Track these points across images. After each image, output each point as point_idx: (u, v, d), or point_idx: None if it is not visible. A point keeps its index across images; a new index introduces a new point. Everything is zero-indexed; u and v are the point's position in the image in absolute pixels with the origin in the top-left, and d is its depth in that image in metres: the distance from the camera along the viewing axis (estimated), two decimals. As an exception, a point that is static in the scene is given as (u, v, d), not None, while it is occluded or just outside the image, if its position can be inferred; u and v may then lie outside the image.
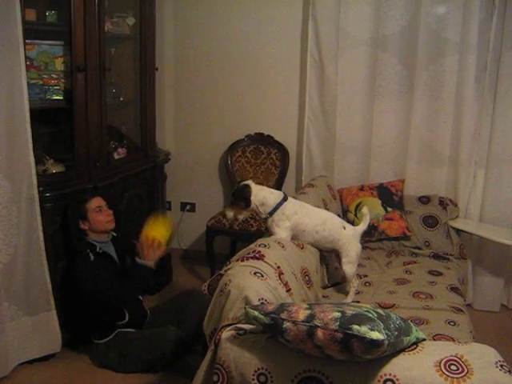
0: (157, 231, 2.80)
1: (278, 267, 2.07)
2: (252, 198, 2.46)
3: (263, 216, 2.50)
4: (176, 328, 2.74)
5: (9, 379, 2.63)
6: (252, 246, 2.21)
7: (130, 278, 2.74)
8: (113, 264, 2.80)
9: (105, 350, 2.75)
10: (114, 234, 2.90)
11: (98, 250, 2.74)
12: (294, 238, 2.53)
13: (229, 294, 1.79)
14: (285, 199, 2.51)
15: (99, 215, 2.74)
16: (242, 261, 2.01)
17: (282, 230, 2.46)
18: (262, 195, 2.48)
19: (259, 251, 2.09)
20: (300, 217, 2.51)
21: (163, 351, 2.63)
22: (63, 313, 2.83)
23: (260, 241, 2.27)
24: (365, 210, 2.70)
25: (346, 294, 2.60)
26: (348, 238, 2.58)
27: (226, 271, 1.95)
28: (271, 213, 2.48)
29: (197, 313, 2.62)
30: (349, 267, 2.57)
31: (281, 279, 2.04)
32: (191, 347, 2.69)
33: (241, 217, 2.55)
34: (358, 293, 2.66)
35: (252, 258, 2.03)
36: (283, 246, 2.30)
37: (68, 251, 2.84)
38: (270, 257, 2.09)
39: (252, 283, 1.83)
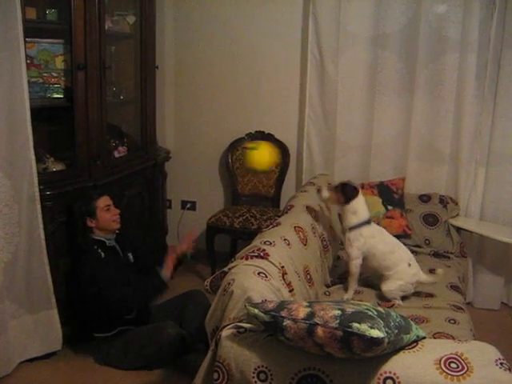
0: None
1: (282, 267, 2.07)
2: (354, 201, 2.60)
3: (344, 225, 2.65)
4: (175, 323, 2.75)
5: (11, 378, 2.63)
6: (257, 242, 2.20)
7: (143, 282, 2.79)
8: (119, 258, 2.85)
9: (106, 348, 2.77)
10: (117, 232, 2.93)
11: (107, 244, 2.80)
12: (363, 259, 2.62)
13: (232, 294, 1.79)
14: (368, 222, 2.63)
15: (107, 214, 2.79)
16: (247, 259, 2.00)
17: (354, 250, 2.59)
18: (359, 207, 2.61)
19: (264, 249, 2.08)
20: (377, 241, 2.61)
21: (161, 345, 2.64)
22: (67, 307, 2.85)
23: (265, 237, 2.27)
24: (440, 271, 2.63)
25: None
26: (407, 274, 2.56)
27: (229, 269, 1.94)
28: (351, 228, 2.60)
29: (199, 312, 2.63)
30: (387, 291, 2.55)
31: (284, 279, 2.03)
32: (194, 346, 2.69)
33: (329, 202, 2.80)
34: (359, 292, 2.66)
35: (256, 256, 2.02)
36: (289, 244, 2.29)
37: (72, 248, 2.86)
38: (275, 256, 2.08)
39: (255, 284, 1.82)
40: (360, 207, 2.62)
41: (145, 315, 2.87)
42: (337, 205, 2.74)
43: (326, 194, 2.68)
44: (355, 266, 2.60)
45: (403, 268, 2.56)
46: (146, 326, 2.80)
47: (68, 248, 2.86)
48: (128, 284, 2.73)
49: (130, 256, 2.94)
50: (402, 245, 2.70)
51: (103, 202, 2.78)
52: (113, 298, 2.65)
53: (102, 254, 2.74)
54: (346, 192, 2.63)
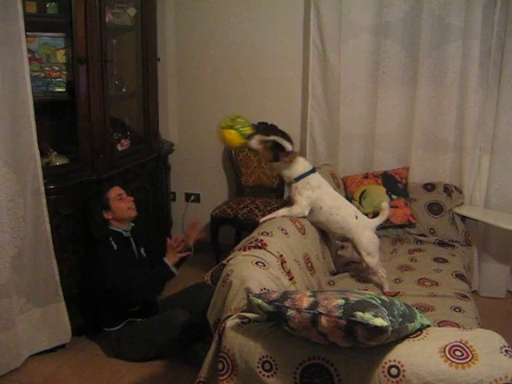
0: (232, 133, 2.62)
1: (281, 256, 2.07)
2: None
3: (288, 181, 2.59)
4: (185, 311, 2.76)
5: (20, 371, 2.66)
6: (255, 234, 2.21)
7: (150, 273, 2.81)
8: (132, 251, 2.88)
9: (116, 339, 2.78)
10: (132, 225, 2.97)
11: (124, 235, 2.84)
12: (310, 213, 2.58)
13: (231, 284, 1.79)
14: (313, 171, 2.58)
15: (121, 203, 2.83)
16: (244, 250, 2.01)
17: (303, 198, 2.54)
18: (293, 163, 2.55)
19: (261, 240, 2.09)
20: (322, 192, 2.57)
21: (173, 333, 2.66)
22: (75, 300, 2.88)
23: (263, 228, 2.27)
24: (384, 204, 2.68)
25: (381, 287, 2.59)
26: (358, 228, 2.58)
27: (228, 261, 1.95)
28: (297, 179, 2.55)
29: (208, 303, 2.64)
30: (367, 259, 2.56)
31: (283, 268, 2.04)
32: (202, 334, 2.69)
33: (254, 147, 2.53)
34: (368, 281, 2.65)
35: (254, 247, 2.03)
36: (286, 233, 2.30)
37: (86, 240, 2.90)
38: (273, 245, 2.08)
39: (254, 273, 1.83)
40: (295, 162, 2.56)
41: (153, 307, 2.88)
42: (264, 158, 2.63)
43: (254, 143, 2.52)
44: (298, 213, 2.54)
45: (356, 227, 2.56)
46: (157, 315, 2.81)
47: (78, 240, 2.88)
48: (137, 276, 2.74)
49: (142, 250, 2.96)
50: (344, 198, 2.73)
51: (114, 192, 2.83)
52: (123, 291, 2.67)
53: (115, 246, 2.77)
54: (275, 153, 2.54)
